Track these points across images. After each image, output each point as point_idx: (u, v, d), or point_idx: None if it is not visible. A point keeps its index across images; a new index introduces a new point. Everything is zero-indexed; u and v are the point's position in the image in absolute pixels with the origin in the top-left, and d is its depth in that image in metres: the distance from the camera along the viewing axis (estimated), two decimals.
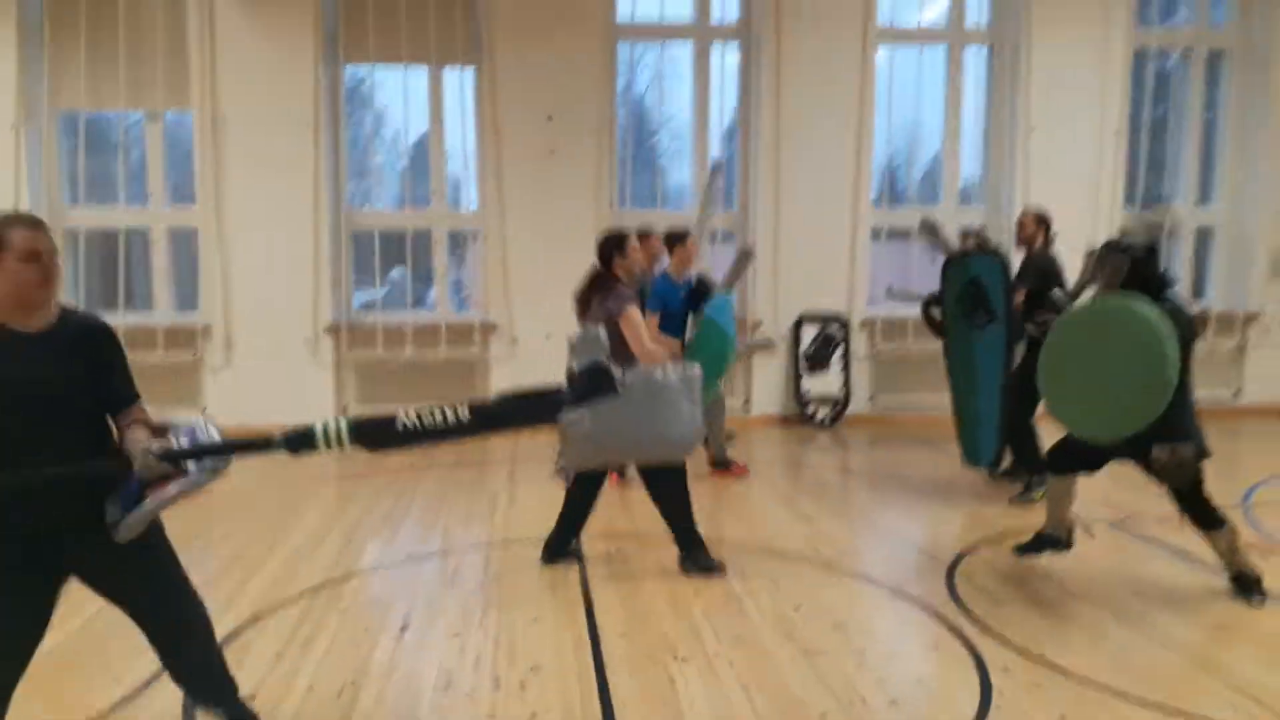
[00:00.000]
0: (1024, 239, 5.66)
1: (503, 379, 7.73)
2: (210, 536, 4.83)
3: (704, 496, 5.01)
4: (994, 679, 3.14)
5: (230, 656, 2.80)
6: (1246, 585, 3.81)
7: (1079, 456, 3.95)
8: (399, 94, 7.92)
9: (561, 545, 4.41)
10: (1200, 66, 8.55)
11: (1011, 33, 8.14)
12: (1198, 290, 8.76)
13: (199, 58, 7.47)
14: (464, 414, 2.12)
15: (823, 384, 8.11)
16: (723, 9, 8.19)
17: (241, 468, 2.25)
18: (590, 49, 7.86)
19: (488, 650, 3.45)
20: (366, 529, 5.10)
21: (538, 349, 7.81)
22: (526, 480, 6.16)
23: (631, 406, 2.60)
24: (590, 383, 2.18)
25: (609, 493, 4.92)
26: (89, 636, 3.44)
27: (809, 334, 8.16)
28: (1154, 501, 4.40)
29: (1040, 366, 3.89)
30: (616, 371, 2.24)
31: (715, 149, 8.34)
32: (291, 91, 7.59)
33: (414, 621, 3.74)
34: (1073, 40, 8.13)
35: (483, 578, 4.29)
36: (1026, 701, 2.98)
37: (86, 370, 2.25)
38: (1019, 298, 5.36)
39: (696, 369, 3.90)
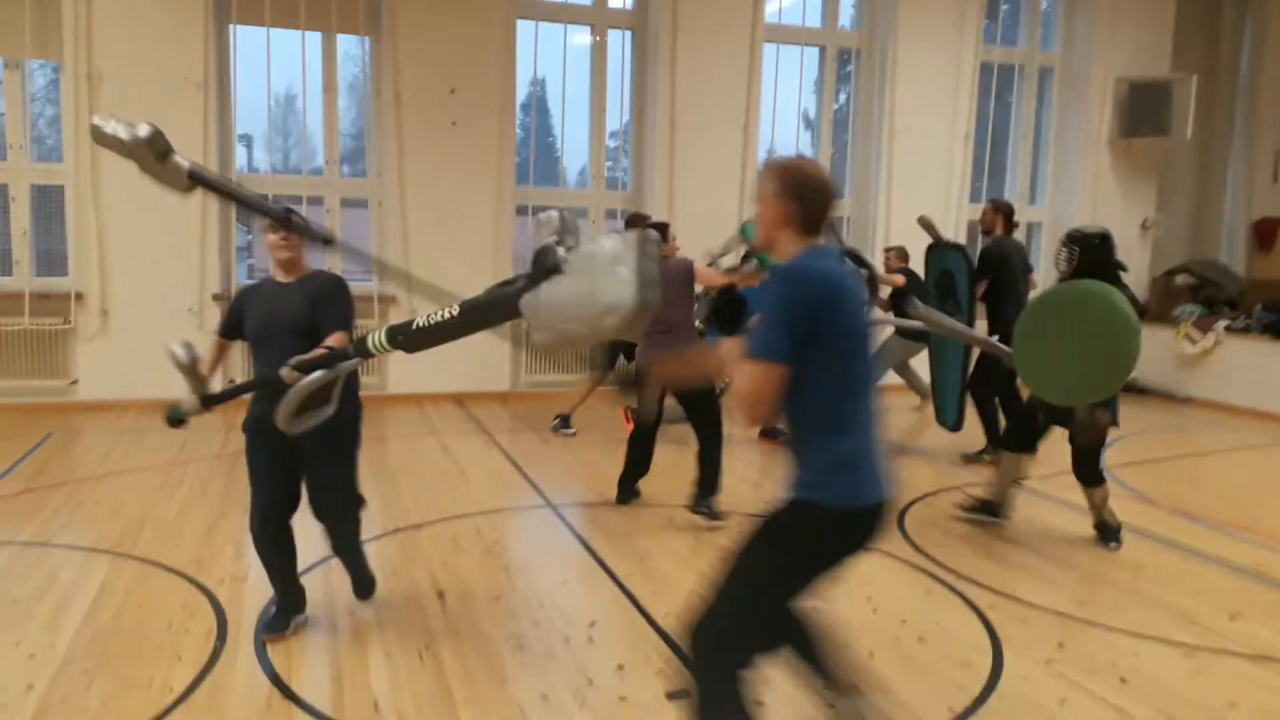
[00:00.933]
0: (985, 228, 6.16)
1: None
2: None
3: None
4: (988, 616, 3.68)
5: None
6: (1108, 532, 4.57)
7: (1032, 435, 4.61)
8: (294, 59, 7.63)
9: (628, 489, 5.03)
10: (1032, 82, 9.70)
11: (880, 39, 8.90)
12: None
13: (72, 6, 6.87)
14: (455, 312, 2.42)
15: None
16: None
17: None
18: (492, 26, 7.87)
19: (538, 612, 3.63)
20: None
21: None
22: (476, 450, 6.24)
23: (569, 278, 2.83)
24: (537, 264, 2.44)
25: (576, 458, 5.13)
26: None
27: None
28: (1045, 467, 5.17)
29: (1016, 337, 4.25)
30: (560, 250, 2.42)
31: (612, 132, 8.60)
32: (177, 49, 7.14)
33: (447, 588, 3.84)
34: (932, 51, 8.99)
35: (489, 544, 4.41)
36: (1024, 634, 3.52)
37: (311, 309, 3.15)
38: (980, 289, 5.90)
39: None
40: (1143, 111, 9.45)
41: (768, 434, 6.53)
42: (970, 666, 3.25)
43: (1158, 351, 9.29)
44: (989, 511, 4.79)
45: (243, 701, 2.88)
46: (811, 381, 2.05)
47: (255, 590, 3.69)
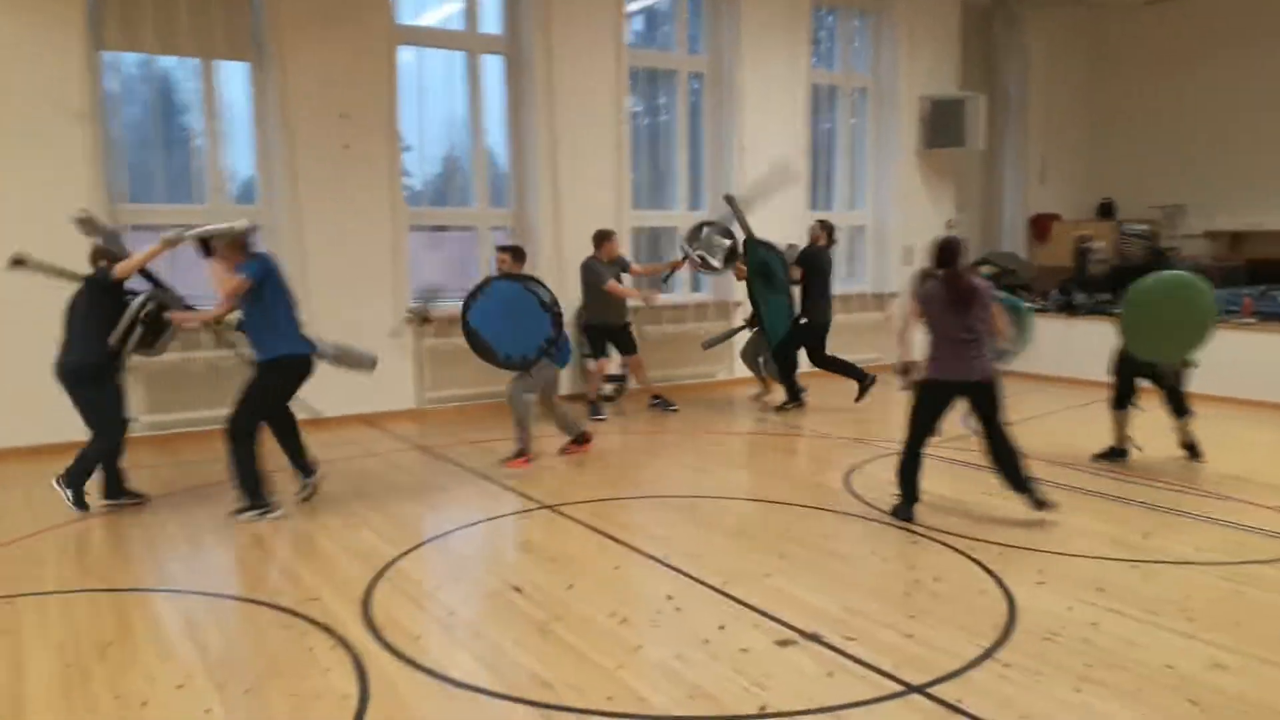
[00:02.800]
0: (812, 239, 8.32)
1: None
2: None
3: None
4: (977, 556, 4.49)
5: None
6: (1196, 451, 6.30)
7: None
8: (168, 86, 7.42)
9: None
10: (849, 101, 10.95)
11: (726, 65, 9.76)
12: (853, 274, 11.19)
13: None
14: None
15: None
16: (489, 21, 8.76)
17: None
18: (373, 50, 7.98)
19: (616, 594, 4.05)
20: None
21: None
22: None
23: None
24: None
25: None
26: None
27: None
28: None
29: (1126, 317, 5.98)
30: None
31: (498, 152, 8.91)
32: (53, 77, 6.78)
33: (522, 583, 4.17)
34: (769, 75, 9.95)
35: (522, 544, 4.73)
36: (1017, 566, 4.34)
37: None
38: (796, 275, 8.20)
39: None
40: (942, 126, 10.91)
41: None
42: (986, 593, 4.03)
43: None
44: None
45: (418, 699, 3.15)
46: None
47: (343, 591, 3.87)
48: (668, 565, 4.40)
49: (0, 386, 6.74)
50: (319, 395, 5.89)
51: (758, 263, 8.08)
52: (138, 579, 4.41)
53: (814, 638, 3.57)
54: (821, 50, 10.71)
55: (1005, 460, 4.99)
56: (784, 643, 3.53)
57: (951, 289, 4.85)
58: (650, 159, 9.82)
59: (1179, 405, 6.25)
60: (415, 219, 8.47)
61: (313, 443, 5.73)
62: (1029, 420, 7.92)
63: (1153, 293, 5.87)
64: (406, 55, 8.27)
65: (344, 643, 3.57)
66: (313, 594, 4.11)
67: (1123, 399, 6.34)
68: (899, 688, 3.16)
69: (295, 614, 3.89)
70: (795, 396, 8.44)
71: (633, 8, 9.35)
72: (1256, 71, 11.08)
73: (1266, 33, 10.97)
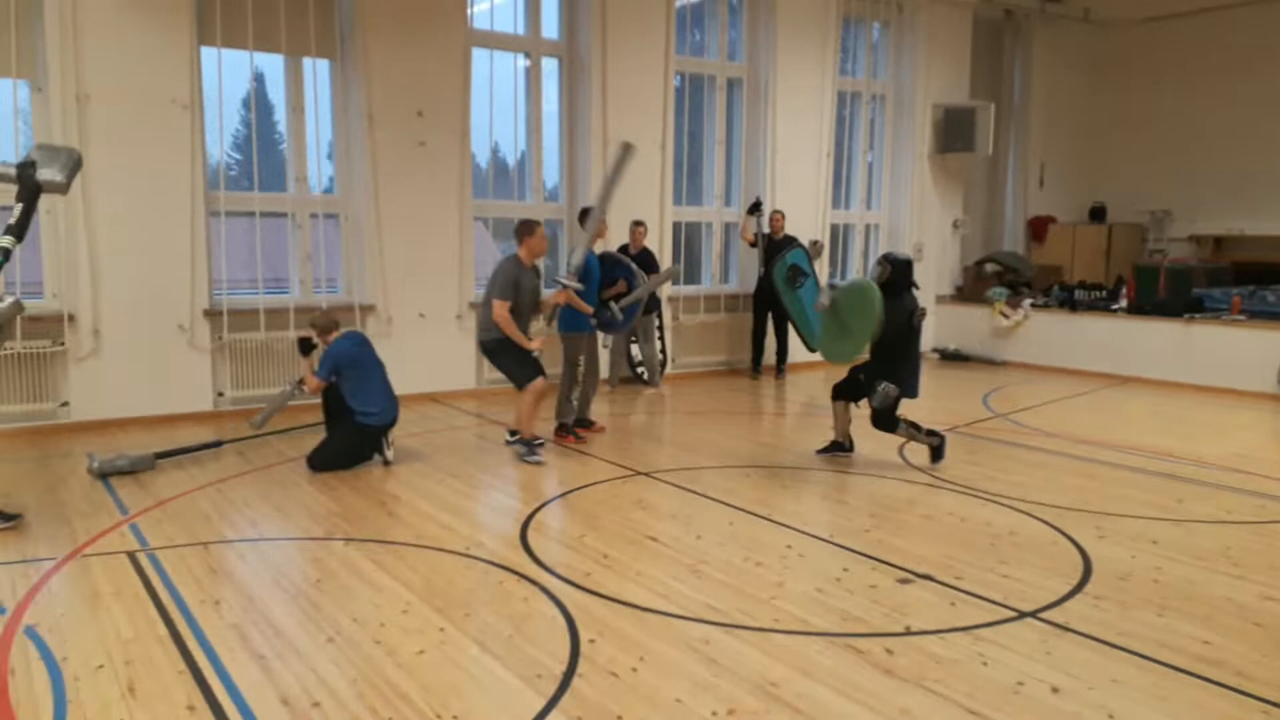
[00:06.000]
0: (775, 228, 9.50)
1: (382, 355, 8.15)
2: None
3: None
4: (1040, 516, 5.17)
5: None
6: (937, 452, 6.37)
7: (849, 391, 6.32)
8: (259, 80, 7.88)
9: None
10: (868, 107, 11.62)
11: (763, 71, 10.38)
12: (866, 272, 11.87)
13: (58, 27, 6.79)
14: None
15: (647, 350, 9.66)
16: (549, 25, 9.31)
17: None
18: (449, 51, 8.49)
19: (741, 545, 4.66)
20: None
21: (411, 326, 8.40)
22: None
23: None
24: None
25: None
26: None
27: None
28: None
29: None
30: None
31: (551, 151, 9.46)
32: (162, 71, 7.22)
33: (655, 534, 4.76)
34: (802, 81, 10.58)
35: (634, 503, 5.32)
36: (1076, 524, 5.04)
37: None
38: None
39: None
40: (954, 132, 11.62)
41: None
42: (1058, 544, 4.71)
43: (976, 325, 11.55)
44: (839, 450, 6.53)
45: (617, 620, 3.74)
46: None
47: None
48: (774, 521, 5.03)
49: None
50: (390, 374, 6.43)
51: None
52: (306, 529, 4.94)
53: (927, 577, 4.22)
54: (846, 58, 11.36)
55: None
56: (904, 580, 4.18)
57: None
58: (690, 158, 10.41)
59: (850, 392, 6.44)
60: (479, 211, 8.99)
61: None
62: (1043, 406, 8.66)
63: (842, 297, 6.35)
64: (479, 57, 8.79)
65: (526, 578, 4.16)
66: (474, 541, 4.68)
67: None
68: (1013, 613, 3.82)
69: (469, 556, 4.46)
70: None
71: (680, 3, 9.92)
72: (1239, 89, 11.96)
73: (1249, 54, 11.85)
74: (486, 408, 8.30)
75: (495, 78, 9.10)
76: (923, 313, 6.26)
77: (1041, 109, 12.86)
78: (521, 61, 9.27)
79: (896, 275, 6.11)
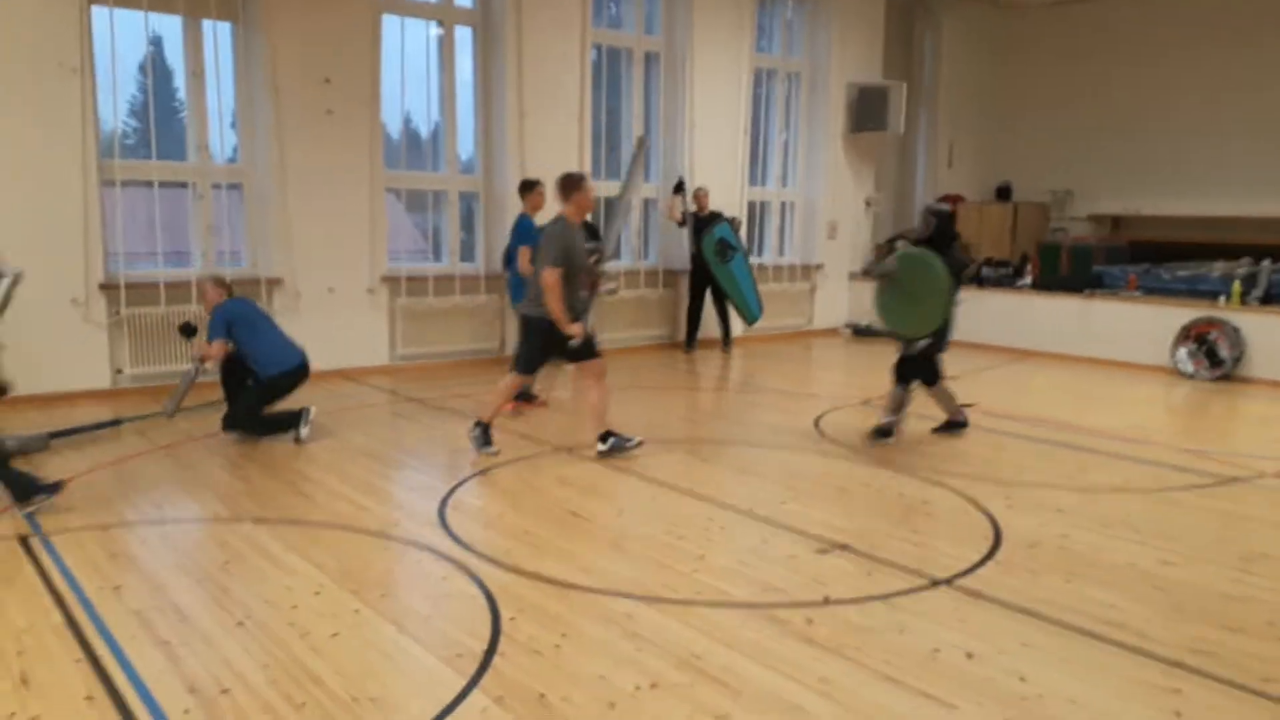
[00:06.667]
0: (701, 205, 9.63)
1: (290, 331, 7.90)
2: None
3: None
4: (951, 485, 5.30)
5: None
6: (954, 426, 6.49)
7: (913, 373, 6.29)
8: (155, 44, 7.50)
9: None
10: (781, 84, 11.68)
11: (679, 45, 10.33)
12: (781, 250, 11.99)
13: None
14: None
15: None
16: None
17: None
18: (357, 17, 8.20)
19: (658, 519, 4.65)
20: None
21: (321, 300, 8.15)
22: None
23: None
24: None
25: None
26: None
27: None
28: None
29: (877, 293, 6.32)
30: None
31: (465, 122, 9.24)
32: (49, 32, 6.79)
33: (577, 510, 4.72)
34: (716, 58, 10.56)
35: (558, 476, 5.27)
36: (985, 494, 5.17)
37: None
38: None
39: None
40: (867, 111, 11.77)
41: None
42: (969, 514, 4.84)
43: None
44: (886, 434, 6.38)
45: (538, 596, 3.69)
46: None
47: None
48: (696, 496, 5.04)
49: None
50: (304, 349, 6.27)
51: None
52: (213, 511, 4.75)
53: (845, 547, 4.28)
54: (762, 35, 11.38)
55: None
56: (822, 551, 4.23)
57: None
58: (609, 133, 10.31)
59: (905, 375, 6.35)
60: (391, 182, 8.75)
61: (304, 394, 6.25)
62: (951, 379, 8.87)
63: (901, 269, 6.13)
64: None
65: (444, 557, 4.07)
66: (391, 520, 4.57)
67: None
68: (928, 582, 3.90)
69: (385, 536, 4.35)
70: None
71: None
72: (1137, 73, 12.39)
73: (1145, 40, 12.28)
74: (401, 384, 8.12)
75: (407, 46, 8.85)
76: (976, 268, 6.37)
77: (951, 89, 13.12)
78: (434, 29, 9.03)
79: (942, 226, 6.10)
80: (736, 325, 10.45)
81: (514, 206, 9.10)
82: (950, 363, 6.48)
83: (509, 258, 7.44)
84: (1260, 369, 8.85)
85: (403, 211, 9.77)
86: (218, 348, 5.91)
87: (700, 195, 10.02)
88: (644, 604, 3.61)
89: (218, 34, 7.73)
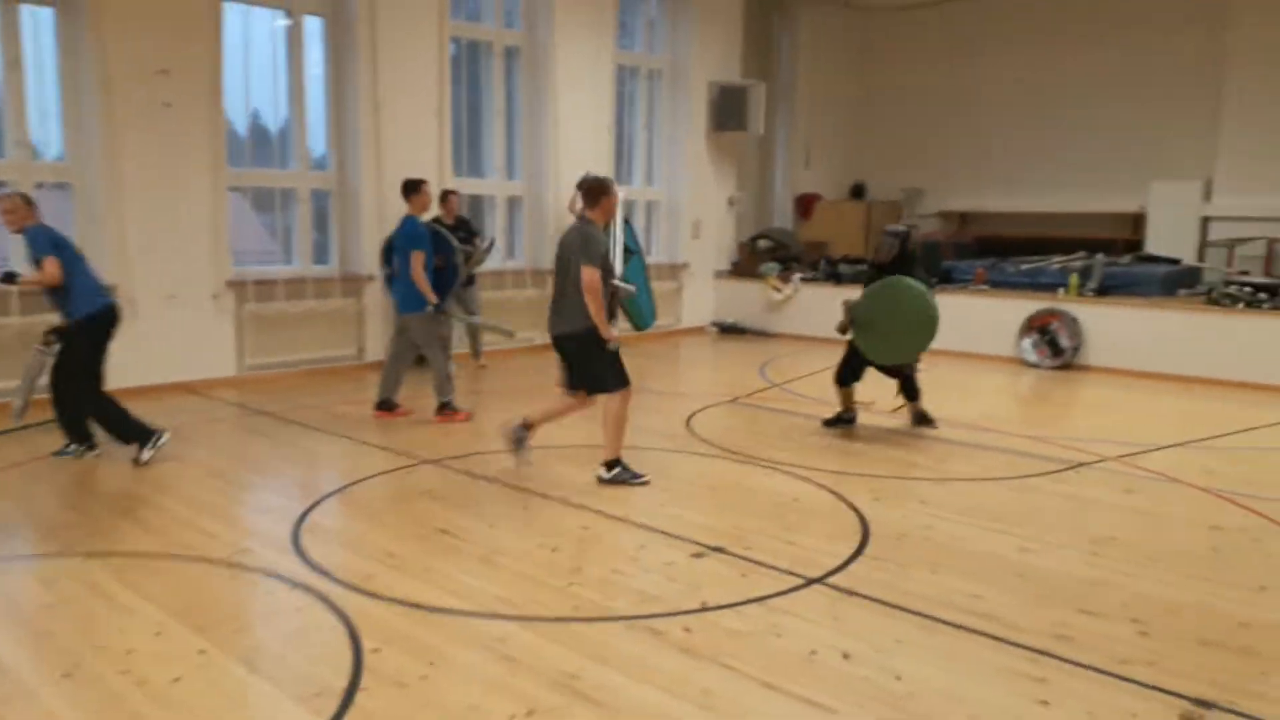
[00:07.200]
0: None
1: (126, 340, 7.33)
2: None
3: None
4: (820, 482, 5.35)
5: None
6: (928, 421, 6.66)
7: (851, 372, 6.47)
8: None
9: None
10: (645, 82, 11.67)
11: (541, 38, 10.15)
12: (649, 249, 11.96)
13: None
14: None
15: None
16: None
17: None
18: (195, 5, 7.68)
19: (530, 531, 4.51)
20: None
21: (160, 308, 7.61)
22: None
23: None
24: None
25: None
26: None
27: None
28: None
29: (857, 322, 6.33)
30: None
31: (317, 117, 8.80)
32: None
33: (445, 526, 4.52)
34: (580, 51, 10.44)
35: (425, 490, 5.04)
36: (853, 488, 5.25)
37: None
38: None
39: None
40: (728, 110, 11.89)
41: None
42: (839, 509, 4.89)
43: (751, 299, 11.97)
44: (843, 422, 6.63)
45: (404, 624, 3.49)
46: None
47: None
48: (570, 503, 4.91)
49: None
50: (137, 363, 5.79)
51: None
52: (37, 545, 4.32)
53: (719, 550, 4.24)
54: (625, 31, 11.32)
55: None
56: (698, 555, 4.18)
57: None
58: (470, 129, 10.03)
59: (911, 390, 6.64)
60: (236, 180, 8.25)
61: (144, 410, 5.78)
62: (814, 375, 9.07)
63: (873, 307, 6.22)
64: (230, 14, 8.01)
65: (300, 585, 3.81)
66: (240, 548, 4.25)
67: (846, 377, 6.61)
68: (802, 580, 3.90)
69: (234, 565, 4.04)
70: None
71: None
72: (982, 74, 12.99)
73: (990, 41, 12.88)
74: (250, 396, 7.65)
75: (252, 37, 8.36)
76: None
77: (808, 90, 13.42)
78: (281, 20, 8.56)
79: (904, 247, 6.25)
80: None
81: (370, 205, 8.86)
82: (814, 358, 6.58)
83: (388, 259, 7.04)
84: (1097, 357, 9.39)
85: (250, 211, 9.23)
86: (52, 266, 5.29)
87: None
88: (518, 624, 3.47)
89: (38, 19, 7.10)
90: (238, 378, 8.18)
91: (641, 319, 10.42)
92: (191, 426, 6.53)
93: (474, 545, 4.30)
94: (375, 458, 5.81)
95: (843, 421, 6.69)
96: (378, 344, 9.05)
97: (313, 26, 8.69)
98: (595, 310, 5.03)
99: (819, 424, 6.73)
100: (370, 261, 8.88)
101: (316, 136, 8.90)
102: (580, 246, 5.09)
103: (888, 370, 6.53)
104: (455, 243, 7.36)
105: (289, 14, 8.54)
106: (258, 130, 8.79)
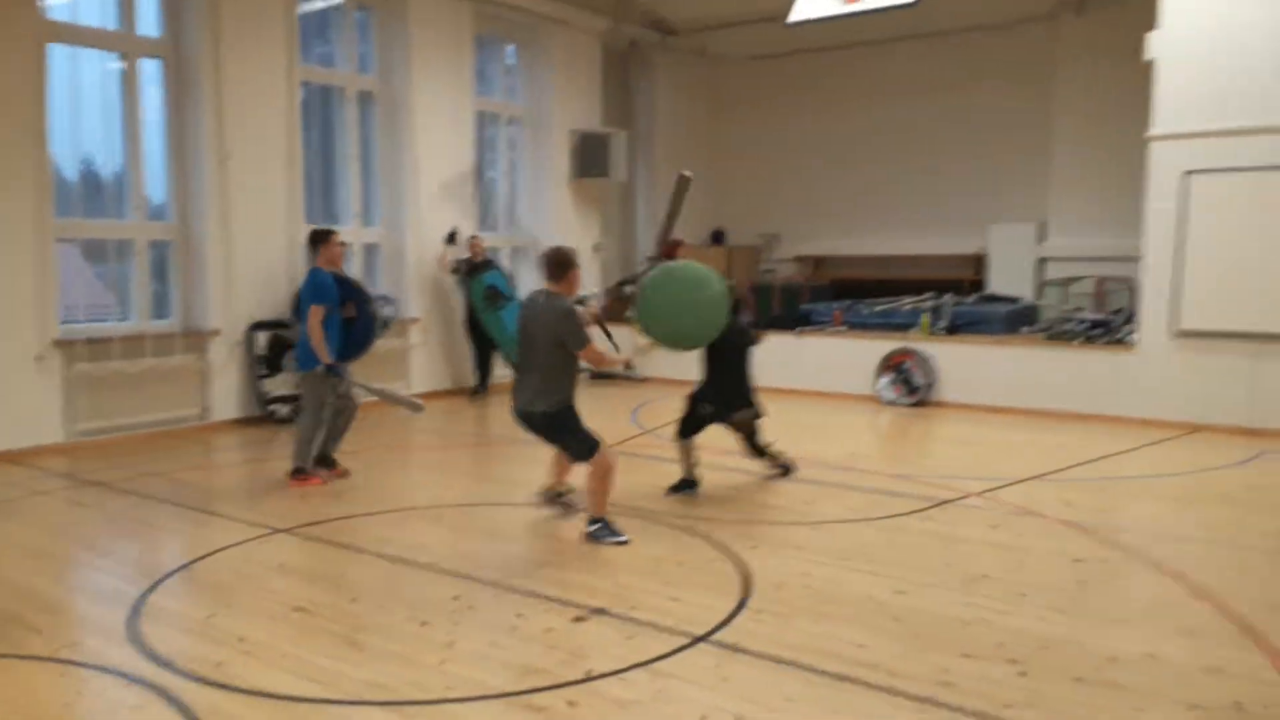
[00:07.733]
0: (475, 252, 10.11)
1: None
2: None
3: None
4: (699, 532, 5.28)
5: None
6: (782, 466, 6.51)
7: (693, 426, 6.16)
8: None
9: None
10: (505, 129, 11.58)
11: (398, 86, 9.92)
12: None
13: None
14: None
15: (282, 384, 8.75)
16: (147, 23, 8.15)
17: None
18: (17, 45, 7.13)
19: (397, 603, 4.24)
20: None
21: None
22: None
23: None
24: None
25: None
26: None
27: (263, 339, 8.70)
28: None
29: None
30: None
31: (155, 164, 8.27)
32: None
33: (302, 603, 4.18)
34: (436, 100, 10.25)
35: (279, 564, 4.67)
36: (730, 537, 5.19)
37: None
38: None
39: None
40: (590, 157, 11.92)
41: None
42: (718, 560, 4.82)
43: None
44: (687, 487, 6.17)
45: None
46: None
47: None
48: (440, 570, 4.66)
49: None
50: None
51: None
52: None
53: (601, 611, 4.09)
54: (483, 79, 11.22)
55: None
56: (579, 619, 4.02)
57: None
58: (323, 175, 9.66)
59: (756, 448, 6.42)
60: (64, 231, 7.63)
61: None
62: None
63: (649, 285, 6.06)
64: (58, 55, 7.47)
65: (138, 679, 3.43)
66: (67, 640, 3.82)
67: (687, 430, 6.20)
68: (687, 639, 3.79)
69: (60, 661, 3.61)
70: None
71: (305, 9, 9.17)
72: (834, 123, 13.52)
73: (841, 91, 13.43)
74: (81, 465, 7.02)
75: (82, 79, 7.82)
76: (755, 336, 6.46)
77: (667, 138, 13.63)
78: (115, 63, 8.04)
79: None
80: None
81: (217, 255, 8.38)
82: (681, 402, 6.42)
83: (301, 314, 6.38)
84: (951, 393, 9.77)
85: (82, 264, 8.57)
86: None
87: (475, 243, 10.26)
88: (387, 710, 3.21)
89: None
90: (67, 444, 7.50)
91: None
92: (11, 502, 5.92)
93: (335, 623, 4.00)
94: (223, 529, 5.38)
95: (686, 487, 6.18)
96: (225, 403, 8.54)
97: (150, 69, 8.21)
98: (600, 361, 5.37)
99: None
100: (216, 316, 8.39)
101: (155, 183, 8.37)
102: (566, 332, 4.97)
103: (732, 424, 6.34)
104: (369, 293, 6.92)
105: (124, 56, 8.04)
106: (89, 178, 8.20)
